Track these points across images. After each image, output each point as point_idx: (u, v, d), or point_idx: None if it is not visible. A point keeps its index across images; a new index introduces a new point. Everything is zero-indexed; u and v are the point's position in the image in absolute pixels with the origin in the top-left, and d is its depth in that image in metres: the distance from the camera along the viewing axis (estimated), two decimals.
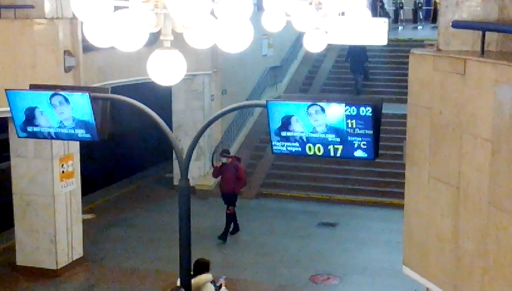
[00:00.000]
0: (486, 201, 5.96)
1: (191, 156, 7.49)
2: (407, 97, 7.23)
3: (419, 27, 30.67)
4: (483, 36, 6.48)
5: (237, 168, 14.38)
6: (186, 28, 4.67)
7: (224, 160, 14.44)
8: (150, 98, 11.30)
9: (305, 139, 7.02)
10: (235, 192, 14.54)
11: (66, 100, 7.24)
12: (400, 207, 7.99)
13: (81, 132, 7.41)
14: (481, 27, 6.60)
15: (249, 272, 12.85)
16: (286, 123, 7.03)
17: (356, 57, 21.47)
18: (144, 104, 7.42)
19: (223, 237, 14.52)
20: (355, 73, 21.76)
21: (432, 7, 31.36)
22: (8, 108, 7.61)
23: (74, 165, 12.48)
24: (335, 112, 6.79)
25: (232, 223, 14.85)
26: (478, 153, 6.07)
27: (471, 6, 6.81)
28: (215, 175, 15.00)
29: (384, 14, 27.69)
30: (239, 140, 19.85)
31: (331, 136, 6.91)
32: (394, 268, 11.47)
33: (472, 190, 6.18)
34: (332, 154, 7.00)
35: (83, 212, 13.54)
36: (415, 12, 31.73)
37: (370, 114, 6.66)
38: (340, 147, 6.92)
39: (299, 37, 20.33)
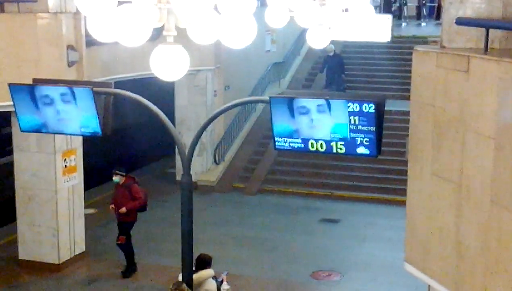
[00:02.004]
0: (489, 198, 5.95)
1: (193, 151, 7.50)
2: (410, 94, 7.23)
3: (423, 24, 30.60)
4: (487, 33, 6.48)
5: (130, 189, 11.86)
6: (189, 24, 4.67)
7: (116, 178, 11.91)
8: (153, 93, 11.30)
9: (307, 136, 7.01)
10: (130, 219, 12.10)
11: (73, 97, 7.23)
12: (403, 203, 7.99)
13: (84, 127, 7.41)
14: (485, 24, 6.59)
15: (251, 267, 12.86)
16: (289, 119, 7.02)
17: (332, 69, 20.50)
18: (147, 99, 7.43)
19: (127, 273, 12.30)
20: (330, 87, 20.33)
21: (436, 4, 31.27)
22: (12, 103, 7.62)
23: (77, 159, 12.50)
24: (338, 109, 6.79)
25: (126, 258, 12.34)
26: (481, 150, 6.06)
27: (475, 3, 6.80)
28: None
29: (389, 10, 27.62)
30: (241, 136, 19.85)
31: (333, 133, 6.90)
32: (396, 265, 11.47)
33: (474, 187, 6.18)
34: (334, 151, 7.00)
35: (86, 207, 13.55)
36: (418, 8, 31.67)
37: (373, 111, 6.66)
38: (343, 143, 6.91)
39: (302, 33, 20.27)
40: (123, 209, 11.83)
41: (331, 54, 20.58)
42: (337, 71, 20.56)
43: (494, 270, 5.94)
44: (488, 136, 5.93)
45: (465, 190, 6.30)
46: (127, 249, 12.28)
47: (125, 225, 12.13)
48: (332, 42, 10.19)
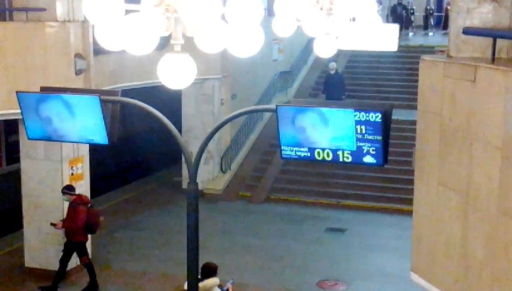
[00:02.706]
0: (496, 208, 5.93)
1: (200, 160, 7.49)
2: (417, 104, 7.23)
3: (430, 33, 30.63)
4: (494, 43, 6.47)
5: (74, 210, 11.44)
6: (196, 32, 4.68)
7: (64, 197, 11.59)
8: (160, 102, 11.34)
9: (314, 145, 7.01)
10: (78, 240, 11.65)
11: (80, 105, 7.26)
12: (409, 213, 7.97)
13: (90, 135, 7.43)
14: (492, 34, 6.59)
15: (257, 276, 12.84)
16: (295, 128, 7.02)
17: (333, 87, 19.86)
18: (154, 107, 7.44)
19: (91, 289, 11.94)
20: None
21: (443, 14, 31.32)
22: (19, 110, 7.65)
23: (84, 167, 12.52)
24: (345, 118, 6.78)
25: (89, 277, 11.96)
26: (488, 160, 6.05)
27: (482, 13, 6.80)
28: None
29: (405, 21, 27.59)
30: (248, 144, 19.87)
31: (340, 142, 6.89)
32: (402, 275, 11.42)
33: (481, 197, 6.16)
34: (341, 159, 6.98)
35: None
36: (426, 18, 31.70)
37: (380, 120, 6.64)
38: (349, 152, 6.91)
39: (309, 42, 20.31)
40: (56, 224, 11.55)
41: (333, 72, 20.21)
42: (338, 90, 20.01)
43: (501, 281, 5.91)
44: (495, 146, 5.91)
45: (472, 199, 6.28)
46: (90, 266, 11.91)
47: (74, 244, 11.70)
48: (340, 50, 10.17)
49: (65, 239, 11.80)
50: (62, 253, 11.78)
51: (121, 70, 13.77)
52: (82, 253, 11.82)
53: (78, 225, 11.47)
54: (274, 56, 21.57)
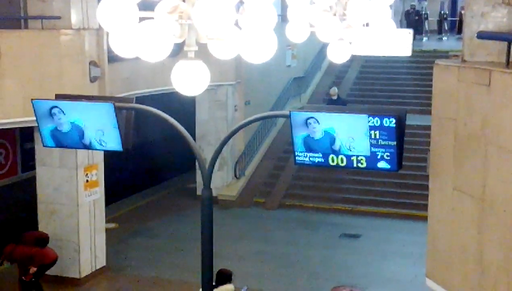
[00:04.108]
0: (511, 213, 5.90)
1: (214, 166, 7.50)
2: (431, 109, 7.20)
3: (444, 38, 30.53)
4: (509, 47, 6.44)
5: (7, 259, 11.20)
6: (210, 39, 4.70)
7: (6, 265, 11.51)
8: (174, 108, 11.36)
9: (328, 150, 7.00)
10: (48, 261, 11.31)
11: (95, 113, 7.30)
12: (424, 218, 7.94)
13: (105, 142, 7.46)
14: (507, 38, 6.56)
15: (271, 282, 12.81)
16: (309, 133, 7.02)
17: None
18: (167, 114, 7.46)
19: None
20: None
21: (457, 18, 31.23)
22: (34, 118, 7.70)
23: (98, 174, 12.58)
24: (358, 123, 6.77)
25: None
26: (503, 165, 6.01)
27: (497, 17, 6.77)
28: None
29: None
30: (262, 150, 19.87)
31: (354, 147, 6.88)
32: (418, 281, 11.38)
33: (496, 202, 6.12)
34: (355, 165, 6.96)
35: (107, 221, 13.62)
36: (440, 22, 31.62)
37: (394, 125, 6.62)
38: (363, 158, 6.89)
39: (323, 48, 20.30)
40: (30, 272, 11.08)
41: (334, 97, 19.31)
42: None
43: None
44: (510, 150, 5.88)
45: (487, 204, 6.25)
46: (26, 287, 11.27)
47: (48, 264, 11.28)
48: (353, 56, 10.16)
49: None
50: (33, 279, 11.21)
51: (135, 77, 13.83)
52: (38, 274, 11.23)
53: (30, 254, 11.03)
54: (287, 62, 21.57)
